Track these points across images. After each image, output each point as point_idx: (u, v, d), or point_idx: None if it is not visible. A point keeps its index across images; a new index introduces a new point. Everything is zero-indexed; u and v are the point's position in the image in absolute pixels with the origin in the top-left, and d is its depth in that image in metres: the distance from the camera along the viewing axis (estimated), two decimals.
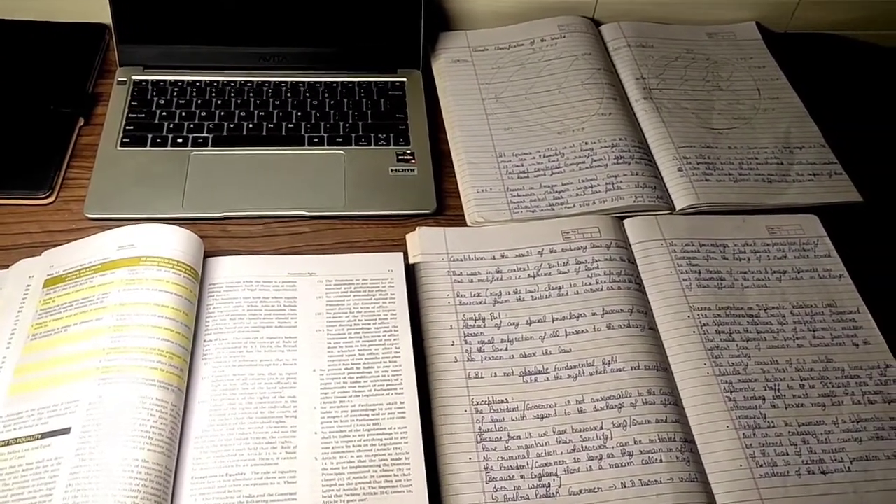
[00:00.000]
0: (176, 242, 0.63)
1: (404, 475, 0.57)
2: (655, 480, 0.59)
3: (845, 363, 0.67)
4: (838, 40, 0.97)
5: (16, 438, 0.54)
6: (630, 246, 0.74)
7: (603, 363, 0.65)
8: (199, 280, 0.64)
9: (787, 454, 0.61)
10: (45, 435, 0.54)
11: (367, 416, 0.59)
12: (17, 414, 0.55)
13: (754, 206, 0.78)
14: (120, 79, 0.81)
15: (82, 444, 0.53)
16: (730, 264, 0.73)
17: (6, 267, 0.66)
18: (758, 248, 0.74)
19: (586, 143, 0.81)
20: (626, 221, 0.75)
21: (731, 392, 0.64)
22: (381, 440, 0.58)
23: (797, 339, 0.68)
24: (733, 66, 0.91)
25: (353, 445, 0.58)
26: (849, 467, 0.61)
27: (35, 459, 0.53)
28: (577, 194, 0.77)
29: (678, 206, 0.77)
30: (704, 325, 0.68)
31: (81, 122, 0.79)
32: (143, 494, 0.51)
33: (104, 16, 0.81)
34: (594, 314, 0.68)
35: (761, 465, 0.61)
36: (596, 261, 0.71)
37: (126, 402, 0.54)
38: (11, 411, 0.56)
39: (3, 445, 0.54)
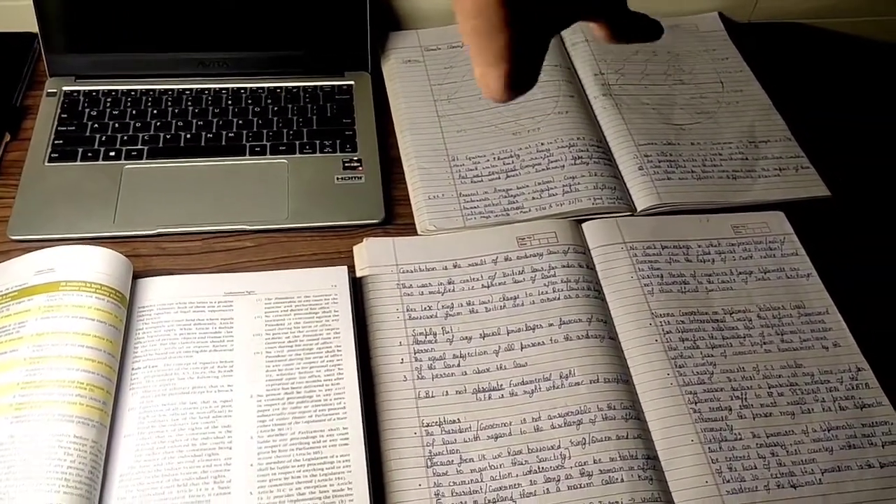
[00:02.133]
0: (100, 264, 0.59)
1: None
2: (617, 502, 0.56)
3: (815, 367, 0.64)
4: (802, 29, 0.95)
5: None
6: (589, 251, 0.70)
7: (560, 377, 0.62)
8: (126, 304, 0.60)
9: (756, 468, 0.58)
10: None
11: (308, 444, 0.56)
12: None
13: (718, 204, 0.75)
14: (49, 90, 0.77)
15: None
16: (693, 266, 0.70)
17: None
18: (722, 248, 0.71)
19: (542, 144, 0.78)
20: (584, 225, 0.72)
21: (696, 403, 0.61)
22: (322, 470, 0.55)
23: (764, 343, 0.65)
24: (696, 58, 0.88)
25: (293, 477, 0.54)
26: (820, 479, 0.58)
27: None
28: (534, 198, 0.74)
29: (639, 207, 0.74)
30: (667, 332, 0.65)
31: (8, 137, 0.74)
32: None
33: (32, 24, 0.77)
34: (551, 325, 0.65)
35: (728, 481, 0.57)
36: (553, 268, 0.68)
37: (40, 441, 0.50)
38: None
39: None
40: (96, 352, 0.55)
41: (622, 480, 0.57)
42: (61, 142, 0.73)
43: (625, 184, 0.76)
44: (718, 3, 0.93)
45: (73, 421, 0.52)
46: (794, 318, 0.67)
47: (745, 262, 0.70)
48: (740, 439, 0.60)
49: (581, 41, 0.88)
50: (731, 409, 0.61)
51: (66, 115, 0.75)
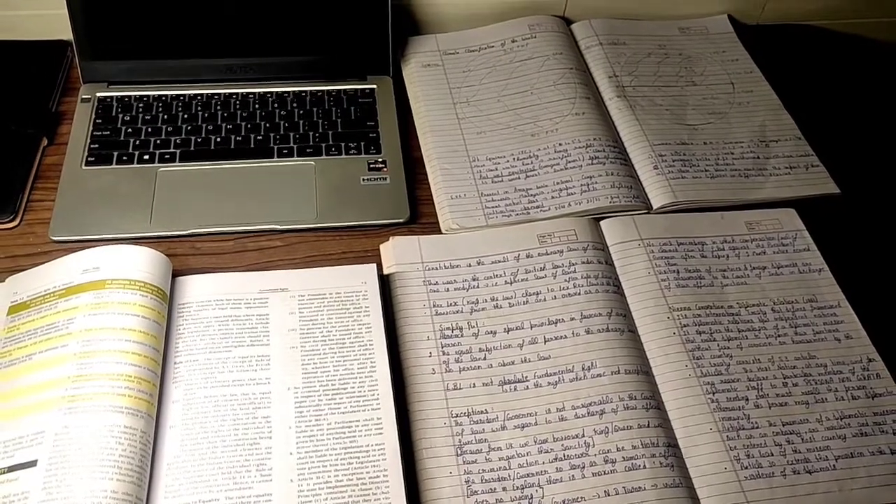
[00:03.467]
0: (142, 263, 0.62)
1: (383, 493, 0.55)
2: (639, 487, 0.58)
3: (828, 359, 0.66)
4: (810, 30, 0.97)
5: None
6: (607, 247, 0.73)
7: (583, 369, 0.64)
8: (167, 301, 0.63)
9: (772, 455, 0.60)
10: (10, 469, 0.52)
11: (344, 433, 0.58)
12: None
13: (732, 201, 0.77)
14: (84, 96, 0.80)
15: (49, 476, 0.51)
16: (709, 262, 0.72)
17: None
18: (736, 244, 0.74)
19: (560, 145, 0.80)
20: (602, 223, 0.74)
21: (714, 393, 0.64)
22: (358, 458, 0.57)
23: (779, 336, 0.67)
24: (706, 60, 0.91)
25: (330, 465, 0.57)
26: (834, 465, 0.60)
27: (1, 494, 0.51)
28: (552, 197, 0.76)
29: (655, 205, 0.76)
30: (685, 325, 0.67)
31: (45, 142, 0.77)
32: None
33: (66, 33, 0.79)
34: (573, 319, 0.67)
35: (746, 467, 0.60)
36: (573, 264, 0.70)
37: (94, 432, 0.53)
38: None
39: None
40: (142, 346, 0.58)
41: (644, 467, 0.59)
42: (97, 146, 0.76)
43: (640, 183, 0.78)
44: (727, 6, 0.95)
45: (122, 412, 0.54)
46: (807, 312, 0.69)
47: (759, 257, 0.73)
48: (757, 427, 0.62)
49: (595, 44, 0.90)
50: (747, 399, 0.63)
51: (100, 121, 0.78)
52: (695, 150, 0.81)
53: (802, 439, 0.61)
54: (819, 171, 0.80)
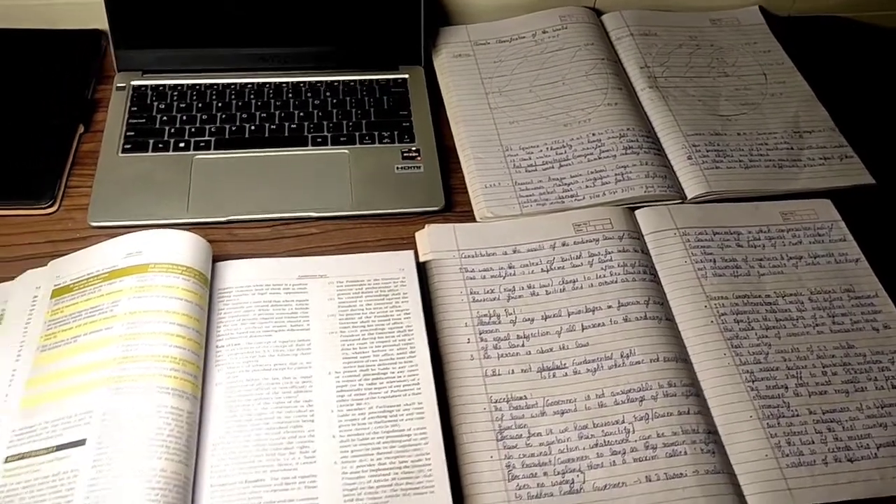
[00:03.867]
0: (184, 248, 0.62)
1: (426, 476, 0.56)
2: (681, 473, 0.58)
3: (867, 348, 0.66)
4: (841, 22, 0.97)
5: (30, 451, 0.53)
6: (643, 236, 0.73)
7: (621, 356, 0.64)
8: (208, 285, 0.63)
9: (813, 442, 0.60)
10: (59, 447, 0.53)
11: (386, 417, 0.58)
12: (30, 427, 0.54)
13: (766, 192, 0.77)
14: (119, 84, 0.80)
15: (99, 455, 0.51)
16: (745, 252, 0.72)
17: (12, 279, 0.64)
18: (772, 234, 0.74)
19: (593, 135, 0.80)
20: (637, 212, 0.74)
21: (753, 381, 0.64)
22: (400, 442, 0.57)
23: (817, 325, 0.67)
24: (738, 51, 0.90)
25: (373, 448, 0.57)
26: (875, 453, 0.60)
27: (51, 472, 0.52)
28: (587, 186, 0.76)
29: (689, 195, 0.76)
30: (722, 314, 0.67)
31: (82, 129, 0.77)
32: None
33: (101, 22, 0.80)
34: (610, 307, 0.67)
35: (787, 455, 0.60)
36: (609, 252, 0.70)
37: (142, 412, 0.53)
38: (25, 424, 0.55)
39: (17, 459, 0.53)
40: (186, 329, 0.58)
41: (685, 453, 0.59)
42: (133, 133, 0.76)
43: (674, 173, 0.78)
44: None
45: (169, 393, 0.55)
46: (844, 301, 0.69)
47: (795, 247, 0.73)
48: (797, 415, 0.62)
49: (626, 35, 0.90)
50: (787, 387, 0.63)
51: (135, 109, 0.78)
52: (728, 141, 0.81)
53: (843, 427, 0.61)
54: (853, 161, 0.80)
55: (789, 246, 0.73)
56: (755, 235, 0.73)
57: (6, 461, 0.53)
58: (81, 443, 0.52)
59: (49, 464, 0.52)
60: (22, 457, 0.53)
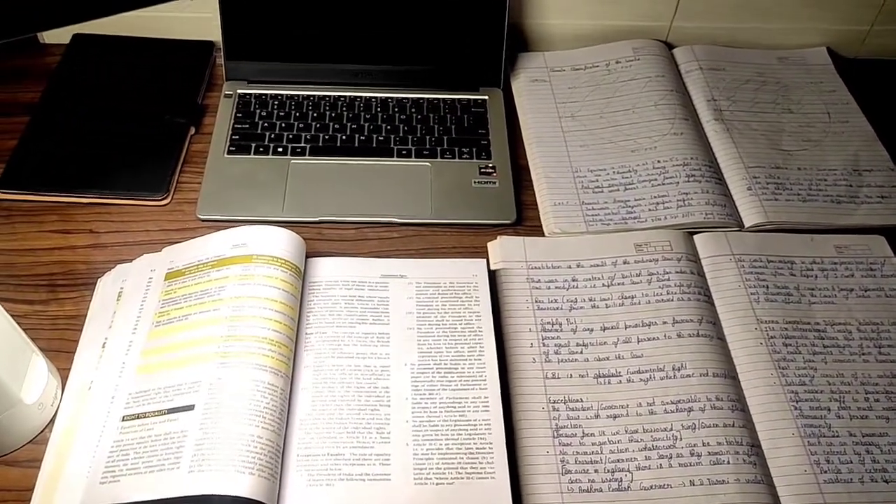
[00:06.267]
0: (283, 243, 0.69)
1: (488, 463, 0.61)
2: (723, 480, 0.63)
3: None
4: None
5: (145, 413, 0.61)
6: (699, 260, 0.77)
7: (673, 369, 0.69)
8: (301, 278, 0.70)
9: (851, 462, 0.64)
10: (171, 410, 0.60)
11: (455, 407, 0.64)
12: (145, 391, 0.62)
13: (822, 225, 0.81)
14: (226, 92, 0.89)
15: (205, 419, 0.59)
16: (797, 280, 0.76)
17: (130, 261, 0.73)
18: (825, 265, 0.77)
19: (658, 161, 0.85)
20: (696, 237, 0.79)
21: (798, 402, 0.68)
22: (466, 430, 0.63)
23: (863, 354, 0.71)
24: (803, 90, 0.94)
25: (441, 434, 0.63)
26: None
27: (163, 431, 0.59)
28: (650, 209, 0.81)
29: (747, 224, 0.81)
30: (772, 337, 0.72)
31: (193, 131, 0.86)
32: (258, 466, 0.57)
33: (213, 34, 0.89)
34: (665, 322, 0.72)
35: (826, 472, 0.64)
36: (667, 273, 0.75)
37: (242, 385, 0.60)
38: (140, 389, 0.62)
39: (133, 419, 0.61)
40: (282, 315, 0.65)
41: (728, 462, 0.64)
42: (237, 137, 0.85)
43: (734, 202, 0.83)
44: (827, 39, 0.99)
45: (266, 370, 0.62)
46: (892, 334, 0.73)
47: (847, 279, 0.76)
48: (837, 436, 0.66)
49: (696, 69, 0.95)
50: (829, 409, 0.67)
51: (240, 115, 0.87)
52: (788, 175, 0.85)
53: (881, 451, 0.65)
54: None
55: (841, 278, 0.77)
56: (808, 266, 0.77)
57: (123, 420, 0.61)
58: (190, 408, 0.60)
59: (161, 424, 0.60)
60: (137, 417, 0.61)
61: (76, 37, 0.93)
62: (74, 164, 0.80)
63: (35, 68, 0.91)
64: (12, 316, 0.62)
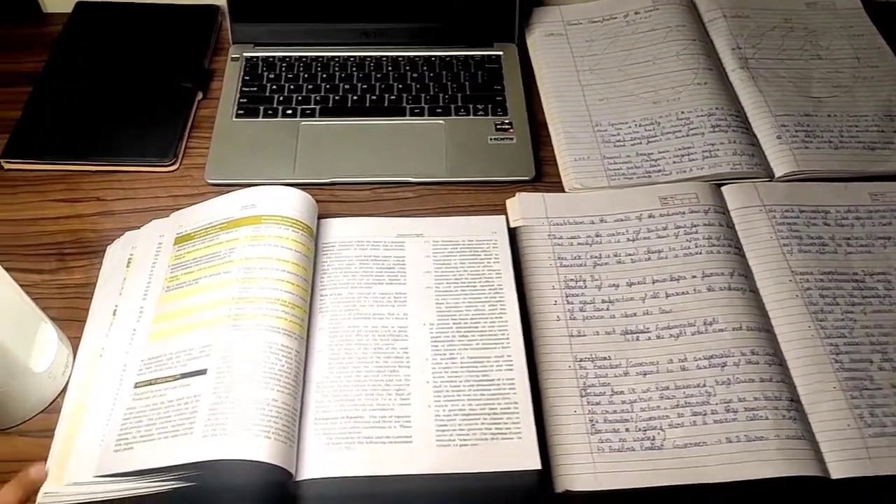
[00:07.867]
0: (293, 203, 0.67)
1: (514, 423, 0.59)
2: (762, 437, 0.60)
3: None
4: None
5: (157, 378, 0.59)
6: (728, 212, 0.74)
7: (704, 323, 0.66)
8: (314, 238, 0.68)
9: None
10: (184, 375, 0.58)
11: (476, 367, 0.62)
12: (157, 357, 0.60)
13: (855, 173, 0.77)
14: (233, 55, 0.86)
15: (218, 383, 0.57)
16: (832, 230, 0.73)
17: (138, 228, 0.71)
18: (861, 214, 0.74)
19: (682, 113, 0.82)
20: (724, 188, 0.76)
21: (837, 354, 0.65)
22: (490, 390, 0.61)
23: None
24: (832, 35, 0.90)
25: (464, 395, 0.61)
26: None
27: (176, 397, 0.57)
28: (674, 162, 0.78)
29: (777, 174, 0.77)
30: (807, 289, 0.68)
31: (200, 95, 0.83)
32: (275, 430, 0.55)
33: None
34: (694, 276, 0.69)
35: (870, 425, 0.61)
36: (695, 225, 0.72)
37: (255, 347, 0.58)
38: (152, 355, 0.60)
39: (146, 385, 0.59)
40: (295, 276, 0.63)
41: (767, 418, 0.61)
42: (245, 100, 0.82)
43: (762, 151, 0.79)
44: None
45: (279, 332, 0.59)
46: None
47: (884, 227, 0.73)
48: (881, 389, 0.63)
49: (719, 17, 0.91)
50: (871, 361, 0.64)
51: (248, 78, 0.84)
52: (818, 122, 0.81)
53: None
54: None
55: (878, 226, 0.73)
56: (843, 215, 0.74)
57: (136, 386, 0.59)
58: (203, 372, 0.58)
59: (174, 390, 0.58)
60: (150, 383, 0.59)
61: (80, 4, 0.91)
62: (80, 132, 0.78)
63: (37, 37, 0.89)
64: (21, 286, 0.60)
